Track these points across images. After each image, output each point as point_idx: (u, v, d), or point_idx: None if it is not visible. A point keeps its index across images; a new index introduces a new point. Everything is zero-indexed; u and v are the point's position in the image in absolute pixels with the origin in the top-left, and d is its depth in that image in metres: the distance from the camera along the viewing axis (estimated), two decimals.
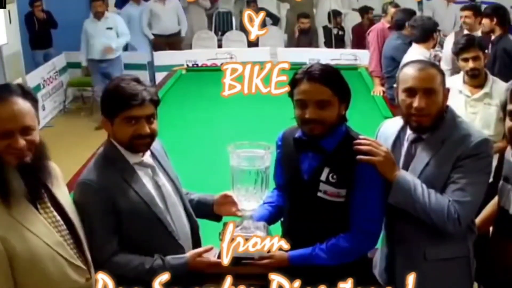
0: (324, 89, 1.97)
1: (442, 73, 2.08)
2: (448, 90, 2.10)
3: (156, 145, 2.10)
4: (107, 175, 1.96)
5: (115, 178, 1.95)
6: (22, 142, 1.68)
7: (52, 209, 1.78)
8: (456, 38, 5.03)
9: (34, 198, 1.74)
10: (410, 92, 2.03)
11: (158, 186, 2.04)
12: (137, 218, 1.96)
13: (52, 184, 1.81)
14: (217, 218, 2.26)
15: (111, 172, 1.96)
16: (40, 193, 1.76)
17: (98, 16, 7.12)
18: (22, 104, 1.70)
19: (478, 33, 5.10)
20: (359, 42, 7.93)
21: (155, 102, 1.98)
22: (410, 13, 5.31)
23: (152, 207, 1.98)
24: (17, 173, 1.69)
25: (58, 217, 1.79)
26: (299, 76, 2.00)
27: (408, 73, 2.05)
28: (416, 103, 2.00)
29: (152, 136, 1.98)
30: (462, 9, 5.33)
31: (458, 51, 3.46)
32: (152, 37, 8.46)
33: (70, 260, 1.75)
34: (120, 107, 1.93)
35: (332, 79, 1.99)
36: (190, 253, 2.03)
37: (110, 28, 7.17)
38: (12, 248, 1.64)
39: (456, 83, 3.43)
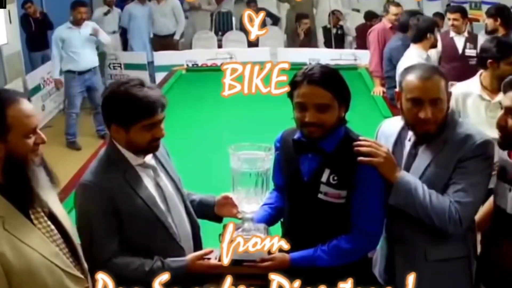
0: (324, 93, 1.96)
1: (445, 78, 2.07)
2: (450, 93, 2.09)
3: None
4: (108, 176, 1.95)
5: (117, 180, 1.95)
6: (44, 137, 1.67)
7: (46, 218, 1.71)
8: (447, 40, 5.12)
9: (27, 207, 1.66)
10: (416, 102, 2.01)
11: (159, 187, 2.04)
12: (138, 219, 1.95)
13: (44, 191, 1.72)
14: (218, 219, 2.26)
15: (113, 173, 1.96)
16: (34, 201, 1.67)
17: (79, 23, 6.31)
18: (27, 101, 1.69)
19: (465, 34, 5.20)
20: (362, 42, 7.94)
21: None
22: (414, 14, 5.30)
23: (153, 209, 1.97)
24: (43, 171, 1.68)
25: (52, 226, 1.72)
26: (299, 78, 1.99)
27: (413, 82, 2.02)
28: (423, 114, 1.99)
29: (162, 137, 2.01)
30: (451, 11, 5.32)
31: (506, 55, 3.31)
32: (151, 35, 8.52)
33: (68, 270, 1.70)
34: (141, 116, 1.91)
35: (332, 82, 1.98)
36: (190, 256, 2.02)
37: (92, 34, 6.44)
38: (9, 262, 1.57)
39: (472, 88, 3.34)
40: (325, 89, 1.95)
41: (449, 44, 5.17)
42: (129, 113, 1.92)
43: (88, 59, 6.43)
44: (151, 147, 1.99)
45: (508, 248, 2.04)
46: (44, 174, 1.69)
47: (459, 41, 5.19)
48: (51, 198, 1.74)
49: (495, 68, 3.26)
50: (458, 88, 3.34)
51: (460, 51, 5.16)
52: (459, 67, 4.94)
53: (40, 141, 1.66)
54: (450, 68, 4.86)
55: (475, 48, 4.99)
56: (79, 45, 6.33)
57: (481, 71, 3.37)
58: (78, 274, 1.74)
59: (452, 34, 5.19)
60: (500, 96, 3.33)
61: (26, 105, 1.64)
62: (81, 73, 6.40)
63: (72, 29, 6.34)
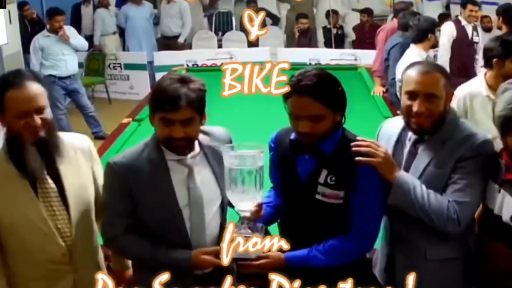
0: (316, 104, 1.92)
1: (446, 76, 2.06)
2: (452, 93, 2.08)
3: (215, 142, 2.08)
4: (136, 162, 1.98)
5: (142, 168, 1.97)
6: (38, 120, 1.92)
7: (50, 183, 1.99)
8: (460, 28, 5.80)
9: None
10: (412, 95, 2.01)
11: (188, 188, 2.01)
12: (152, 211, 1.98)
13: (62, 158, 2.01)
14: None
15: (143, 161, 1.98)
16: (30, 171, 1.95)
17: (57, 31, 6.27)
18: (35, 86, 1.93)
19: (471, 24, 5.95)
20: (360, 42, 7.94)
21: (197, 106, 1.94)
22: (413, 13, 5.30)
23: (170, 205, 1.97)
24: (35, 149, 1.93)
25: (55, 192, 2.00)
26: (291, 88, 1.95)
27: (411, 76, 2.03)
28: (416, 107, 1.99)
29: (188, 139, 1.96)
30: (474, 4, 5.97)
31: (511, 53, 3.24)
32: (158, 35, 8.63)
33: (51, 236, 1.98)
34: (157, 108, 1.94)
35: (323, 93, 1.93)
36: (196, 250, 2.00)
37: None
38: None
39: (478, 88, 3.27)
40: (316, 101, 1.92)
41: (463, 31, 5.86)
42: (151, 101, 1.99)
43: (69, 65, 6.40)
44: (169, 145, 1.96)
45: (495, 248, 2.03)
46: (36, 154, 1.94)
47: (469, 29, 5.93)
48: (68, 171, 2.03)
49: (500, 67, 3.24)
50: (463, 89, 3.29)
51: (470, 37, 5.92)
52: (467, 52, 5.80)
53: (33, 124, 1.91)
54: (460, 53, 5.63)
55: (478, 35, 6.02)
56: (59, 52, 6.33)
57: (485, 71, 3.35)
58: (60, 242, 2.00)
59: (464, 23, 5.90)
60: None
61: (24, 91, 1.91)
62: (61, 78, 6.38)
63: (50, 37, 6.32)
